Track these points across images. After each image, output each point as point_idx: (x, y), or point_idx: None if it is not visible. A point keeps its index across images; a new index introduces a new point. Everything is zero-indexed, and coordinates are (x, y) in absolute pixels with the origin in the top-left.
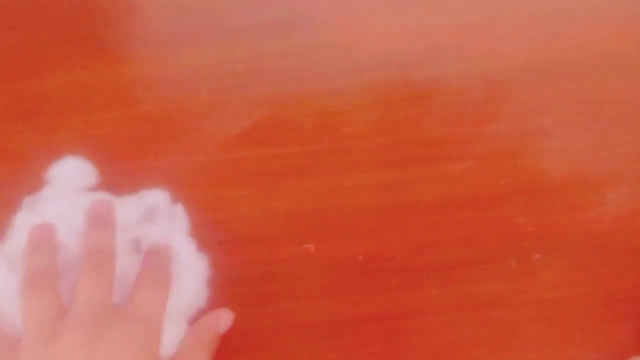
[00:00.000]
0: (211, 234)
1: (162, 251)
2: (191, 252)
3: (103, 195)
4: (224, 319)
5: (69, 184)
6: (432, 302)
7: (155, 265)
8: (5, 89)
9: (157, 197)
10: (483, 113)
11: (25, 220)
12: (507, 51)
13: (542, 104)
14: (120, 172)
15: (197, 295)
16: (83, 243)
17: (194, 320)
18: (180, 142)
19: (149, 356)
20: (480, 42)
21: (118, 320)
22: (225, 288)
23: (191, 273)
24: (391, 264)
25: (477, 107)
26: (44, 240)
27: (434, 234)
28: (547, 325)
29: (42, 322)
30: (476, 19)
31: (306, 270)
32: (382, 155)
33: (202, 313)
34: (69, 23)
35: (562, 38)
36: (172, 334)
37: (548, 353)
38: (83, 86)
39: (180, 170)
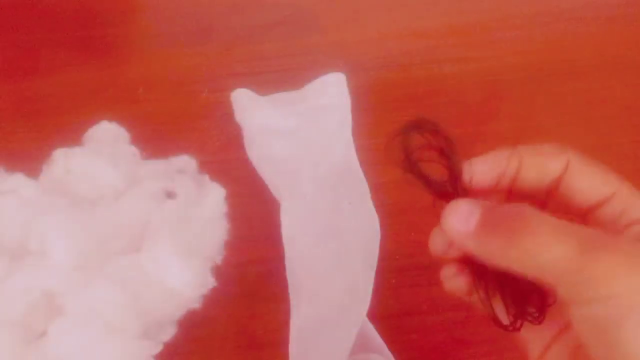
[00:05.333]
0: None
1: None
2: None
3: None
4: None
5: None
6: (432, 300)
7: None
8: (6, 89)
9: (184, 162)
10: (482, 113)
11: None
12: (507, 51)
13: (541, 103)
14: None
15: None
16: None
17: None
18: (181, 142)
19: None
20: (480, 42)
21: None
22: (225, 287)
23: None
24: (391, 263)
25: (476, 107)
26: None
27: None
28: None
29: None
30: (475, 19)
31: None
32: (382, 155)
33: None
34: (70, 24)
35: (561, 38)
36: (184, 269)
37: None
38: (84, 86)
39: None
